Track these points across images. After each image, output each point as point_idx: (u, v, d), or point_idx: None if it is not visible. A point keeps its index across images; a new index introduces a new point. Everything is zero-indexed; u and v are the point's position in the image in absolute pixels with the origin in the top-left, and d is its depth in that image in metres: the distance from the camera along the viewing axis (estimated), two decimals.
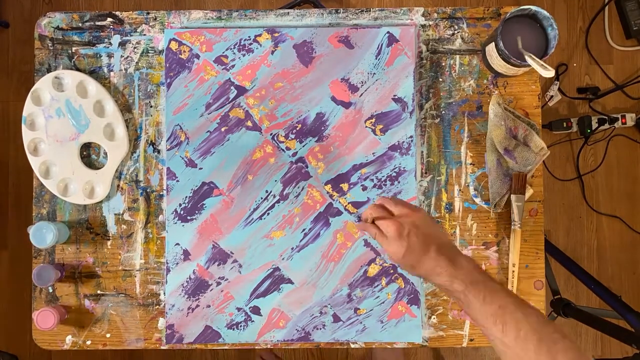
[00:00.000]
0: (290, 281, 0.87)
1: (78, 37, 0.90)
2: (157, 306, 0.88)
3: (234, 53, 0.88)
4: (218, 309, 0.87)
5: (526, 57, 0.78)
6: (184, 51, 0.88)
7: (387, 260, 0.87)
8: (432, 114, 0.89)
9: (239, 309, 0.87)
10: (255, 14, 0.91)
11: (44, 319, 0.83)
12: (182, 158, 0.88)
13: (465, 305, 0.63)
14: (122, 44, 0.90)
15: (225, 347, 0.88)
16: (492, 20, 0.90)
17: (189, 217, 0.87)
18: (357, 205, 0.87)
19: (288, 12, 0.91)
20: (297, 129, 0.88)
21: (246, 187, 0.88)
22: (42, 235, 0.83)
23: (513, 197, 0.85)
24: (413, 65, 0.88)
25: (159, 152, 0.89)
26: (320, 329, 0.87)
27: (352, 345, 0.87)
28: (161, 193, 0.89)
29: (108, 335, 0.88)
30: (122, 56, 0.90)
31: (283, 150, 0.88)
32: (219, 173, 0.88)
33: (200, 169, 0.88)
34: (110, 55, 0.90)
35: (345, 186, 0.87)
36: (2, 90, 1.72)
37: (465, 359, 1.68)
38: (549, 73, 0.75)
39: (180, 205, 0.87)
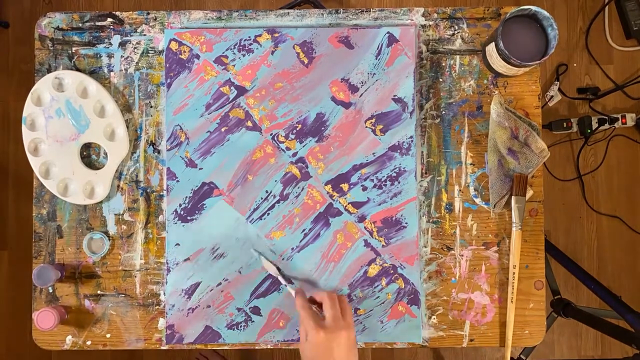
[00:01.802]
0: (290, 281, 0.87)
1: (78, 38, 0.90)
2: (157, 306, 0.88)
3: (234, 53, 0.88)
4: (218, 309, 0.87)
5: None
6: (184, 51, 0.88)
7: (387, 260, 0.87)
8: (432, 114, 0.89)
9: (239, 309, 0.87)
10: (256, 14, 0.91)
11: (44, 319, 0.83)
12: (182, 158, 0.88)
13: None
14: (122, 44, 0.90)
15: (226, 347, 0.88)
16: (492, 20, 0.90)
17: (189, 217, 0.87)
18: (357, 205, 0.87)
19: (288, 13, 0.91)
20: (297, 129, 0.88)
21: (246, 188, 0.88)
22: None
23: (513, 198, 0.85)
24: (413, 65, 0.88)
25: (159, 152, 0.89)
26: None
27: None
28: (161, 193, 0.89)
29: (108, 336, 0.88)
30: (122, 56, 0.90)
31: (283, 150, 0.88)
32: (219, 173, 0.88)
33: (201, 169, 0.88)
34: (110, 56, 0.90)
35: (345, 186, 0.87)
36: (2, 90, 1.72)
37: (466, 359, 1.68)
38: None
39: (180, 205, 0.87)
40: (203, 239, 0.87)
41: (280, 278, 0.84)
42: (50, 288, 0.88)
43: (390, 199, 0.87)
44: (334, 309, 0.73)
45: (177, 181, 0.88)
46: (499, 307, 0.87)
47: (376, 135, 0.88)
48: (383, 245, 0.87)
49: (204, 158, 0.88)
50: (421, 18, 0.90)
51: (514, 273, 0.86)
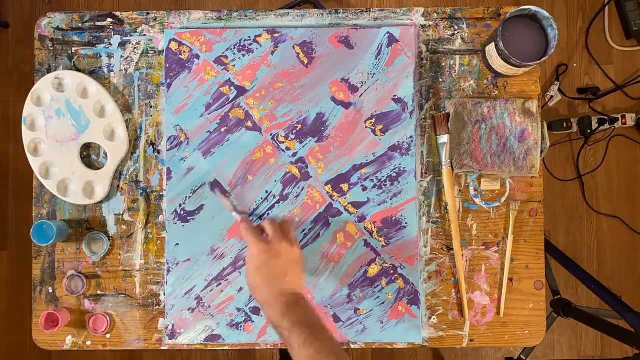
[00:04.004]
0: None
1: (78, 38, 0.90)
2: (157, 306, 0.88)
3: (234, 53, 0.88)
4: (218, 309, 0.87)
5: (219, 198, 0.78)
6: (184, 51, 0.88)
7: (387, 260, 0.87)
8: (432, 114, 0.89)
9: (239, 310, 0.87)
10: (255, 15, 0.91)
11: (48, 321, 0.84)
12: (182, 158, 0.88)
13: (288, 344, 0.69)
14: (122, 45, 0.90)
15: (225, 348, 0.88)
16: (492, 20, 0.90)
17: (189, 218, 0.87)
18: (357, 205, 0.87)
19: (288, 13, 0.91)
20: (297, 129, 0.88)
21: (246, 188, 0.88)
22: (44, 232, 0.84)
23: (438, 138, 0.87)
24: (413, 65, 0.88)
25: (159, 152, 0.89)
26: None
27: (352, 346, 0.87)
28: (161, 193, 0.89)
29: (108, 336, 0.88)
30: (122, 56, 0.90)
31: (283, 150, 0.88)
32: (219, 173, 0.88)
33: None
34: (110, 56, 0.90)
35: (345, 186, 0.87)
36: (2, 90, 1.72)
37: (465, 359, 1.68)
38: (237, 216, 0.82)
39: (180, 205, 0.87)
40: (203, 239, 0.87)
41: (234, 214, 0.84)
42: (50, 288, 0.88)
43: (390, 199, 0.87)
44: (273, 226, 0.78)
45: (177, 181, 0.88)
46: (499, 307, 0.87)
47: (376, 135, 0.88)
48: (383, 246, 0.87)
49: (204, 158, 0.88)
50: (421, 18, 0.90)
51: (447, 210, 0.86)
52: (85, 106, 0.87)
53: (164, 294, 0.87)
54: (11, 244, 1.70)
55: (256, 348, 0.88)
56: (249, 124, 0.88)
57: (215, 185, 0.87)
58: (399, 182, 0.87)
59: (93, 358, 1.66)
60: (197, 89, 0.88)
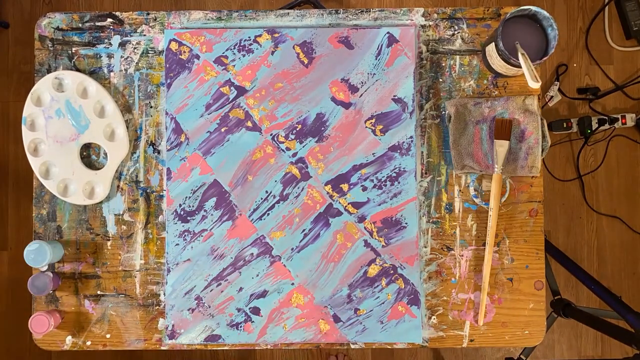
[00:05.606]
0: (290, 282, 0.87)
1: (78, 38, 0.90)
2: (157, 307, 0.88)
3: (234, 53, 0.88)
4: (218, 309, 0.87)
5: (519, 57, 0.77)
6: (184, 52, 0.88)
7: (387, 260, 0.87)
8: (432, 114, 0.89)
9: (239, 310, 0.87)
10: (255, 15, 0.91)
11: (37, 323, 0.83)
12: (182, 158, 0.88)
13: None
14: (122, 45, 0.90)
15: (225, 348, 0.88)
16: (492, 20, 0.90)
17: (189, 218, 0.87)
18: (357, 205, 0.87)
19: (288, 13, 0.91)
20: (297, 129, 0.88)
21: (246, 188, 0.88)
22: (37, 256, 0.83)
23: (496, 142, 0.85)
24: (413, 65, 0.88)
25: (159, 152, 0.89)
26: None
27: (352, 346, 0.87)
28: (161, 193, 0.89)
29: (108, 336, 0.88)
30: (122, 57, 0.90)
31: (283, 150, 0.88)
32: (219, 174, 0.88)
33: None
34: (110, 56, 0.90)
35: (345, 187, 0.87)
36: (2, 90, 1.72)
37: (465, 359, 1.68)
38: (536, 85, 0.75)
39: (180, 205, 0.87)
40: (203, 239, 0.87)
41: None
42: None
43: (390, 199, 0.87)
44: None
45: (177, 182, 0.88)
46: (499, 307, 0.87)
47: (376, 135, 0.88)
48: (383, 246, 0.87)
49: (204, 158, 0.88)
50: (421, 18, 0.90)
51: (490, 215, 0.86)
52: (85, 106, 0.88)
53: (164, 294, 0.87)
54: (11, 244, 1.70)
55: (256, 348, 0.88)
56: (249, 124, 0.88)
57: None
58: (399, 182, 0.87)
59: (93, 358, 1.66)
60: (197, 89, 0.88)
